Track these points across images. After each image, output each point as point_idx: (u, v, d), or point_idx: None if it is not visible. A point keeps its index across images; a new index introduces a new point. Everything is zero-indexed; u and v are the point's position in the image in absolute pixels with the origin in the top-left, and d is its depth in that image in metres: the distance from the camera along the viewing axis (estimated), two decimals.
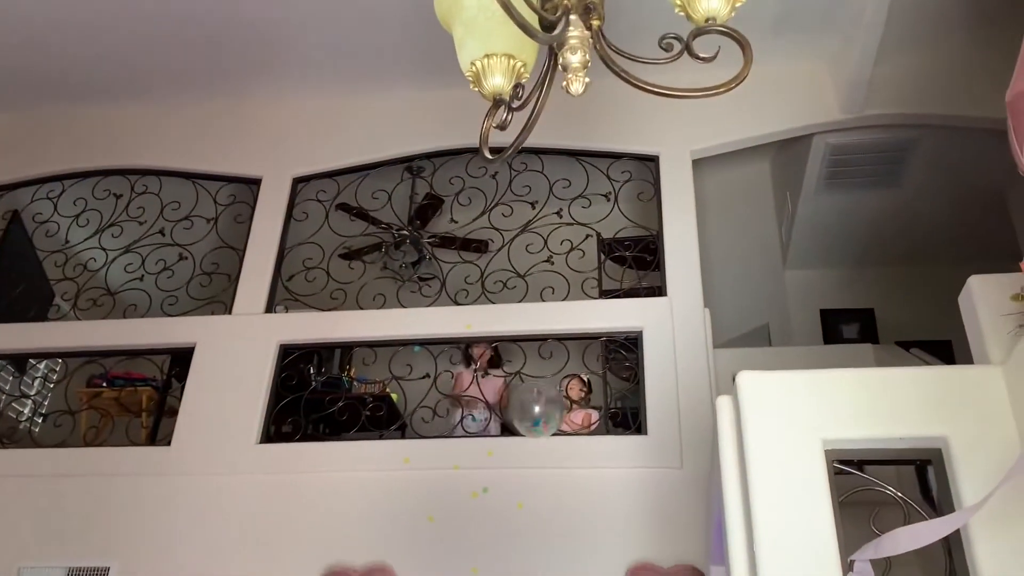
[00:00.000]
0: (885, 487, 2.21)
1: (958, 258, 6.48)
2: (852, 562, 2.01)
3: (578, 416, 4.85)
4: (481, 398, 4.94)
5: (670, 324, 4.81)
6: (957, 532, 2.05)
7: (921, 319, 6.67)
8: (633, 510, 4.30)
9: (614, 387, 4.98)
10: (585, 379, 5.05)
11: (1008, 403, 2.13)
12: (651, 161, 5.52)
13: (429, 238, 6.38)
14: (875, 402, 2.21)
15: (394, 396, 5.10)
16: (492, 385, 5.07)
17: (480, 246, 6.04)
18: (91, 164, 6.04)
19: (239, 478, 4.65)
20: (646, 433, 4.52)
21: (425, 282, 5.95)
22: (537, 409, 4.34)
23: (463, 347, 5.22)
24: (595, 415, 4.90)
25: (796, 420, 2.21)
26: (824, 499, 2.12)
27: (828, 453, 2.19)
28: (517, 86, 1.78)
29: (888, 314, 6.88)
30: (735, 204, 7.14)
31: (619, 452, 4.45)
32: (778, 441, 2.20)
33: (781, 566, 2.07)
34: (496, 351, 5.18)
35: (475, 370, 5.09)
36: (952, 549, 2.11)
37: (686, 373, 4.65)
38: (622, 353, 4.96)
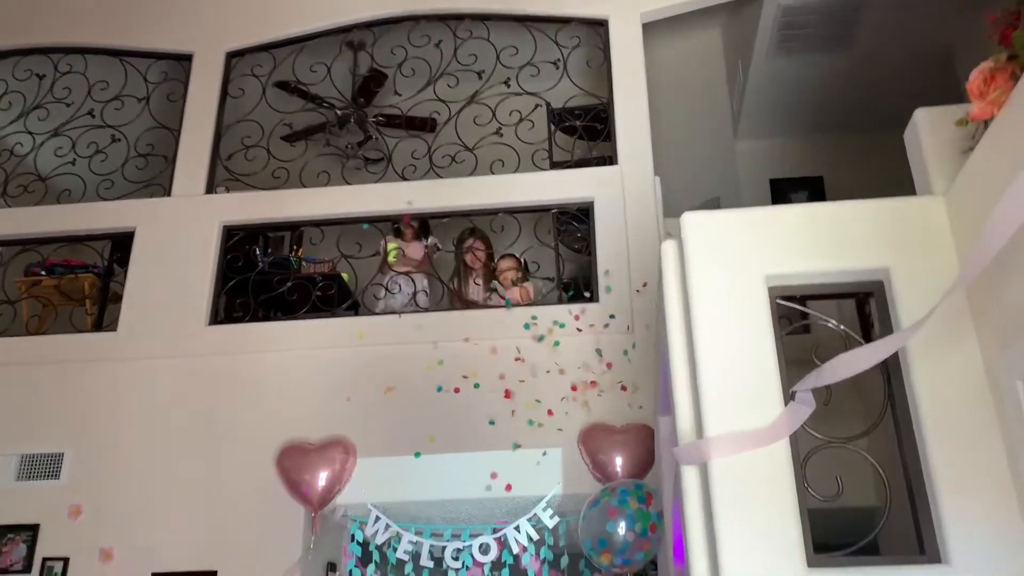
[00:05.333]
0: (827, 320, 2.22)
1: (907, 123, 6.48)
2: (794, 393, 2.04)
3: (515, 293, 4.81)
4: (401, 271, 4.91)
5: (621, 193, 4.76)
6: (896, 359, 2.08)
7: (871, 185, 6.70)
8: (585, 375, 4.35)
9: (566, 258, 4.94)
10: (518, 256, 4.98)
11: (949, 232, 2.13)
12: (600, 26, 5.35)
13: (374, 117, 6.17)
14: (818, 237, 2.20)
15: (345, 276, 5.02)
16: (416, 251, 5.01)
17: (428, 124, 5.85)
18: (9, 43, 5.69)
19: (190, 360, 4.60)
20: (598, 300, 4.53)
21: (372, 163, 5.79)
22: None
23: (392, 223, 5.13)
24: (532, 289, 4.86)
25: (740, 258, 2.19)
26: (767, 334, 2.13)
27: (771, 290, 2.19)
28: None
29: (838, 181, 6.89)
30: (686, 75, 6.99)
31: (571, 319, 4.46)
32: (722, 279, 2.18)
33: (725, 401, 2.09)
34: (423, 221, 5.10)
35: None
36: (891, 376, 2.14)
37: (637, 241, 4.64)
38: (574, 225, 4.91)
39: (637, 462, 4.03)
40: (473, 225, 5.13)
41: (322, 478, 4.16)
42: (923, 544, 2.01)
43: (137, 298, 4.79)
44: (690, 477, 2.15)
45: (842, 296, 2.30)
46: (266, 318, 4.79)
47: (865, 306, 2.25)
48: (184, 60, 5.57)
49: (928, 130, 2.31)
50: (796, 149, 7.23)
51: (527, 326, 4.43)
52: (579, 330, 4.43)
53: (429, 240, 5.01)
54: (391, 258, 4.87)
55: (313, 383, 4.48)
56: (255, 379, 4.52)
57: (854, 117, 7.11)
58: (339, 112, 6.05)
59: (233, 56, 5.57)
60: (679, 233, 2.34)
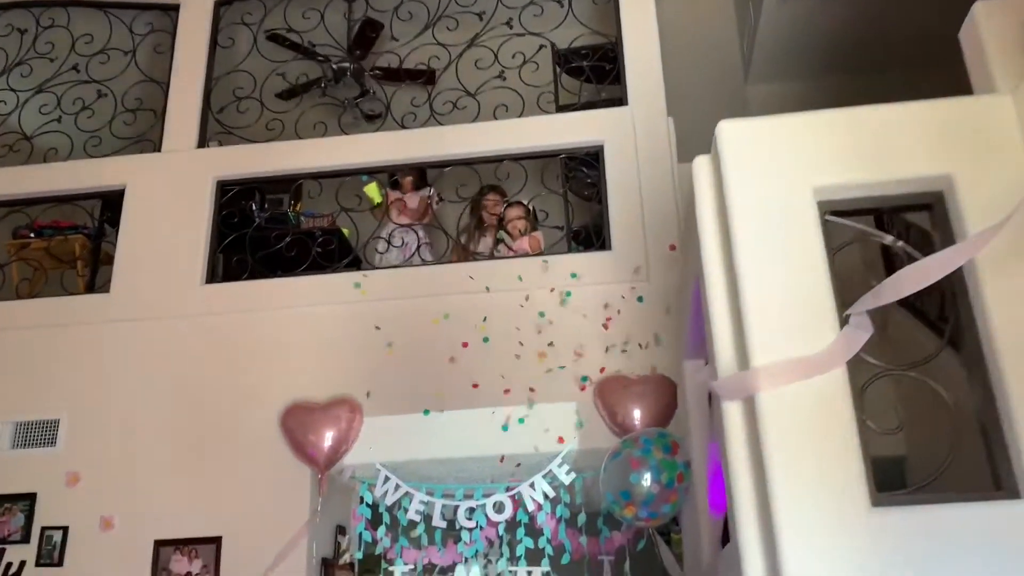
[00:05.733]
0: (882, 235, 2.01)
1: (927, 62, 6.22)
2: (848, 316, 1.83)
3: (523, 243, 4.58)
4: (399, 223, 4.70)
5: (632, 135, 4.53)
6: (962, 280, 1.87)
7: None
8: (598, 326, 4.15)
9: (575, 206, 4.71)
10: (526, 204, 4.75)
11: (1018, 133, 1.91)
12: None
13: (371, 70, 5.91)
14: (870, 144, 1.97)
15: (345, 231, 4.80)
16: (415, 202, 4.80)
17: (427, 75, 5.58)
18: None
19: (187, 321, 4.40)
20: (611, 249, 4.32)
21: (371, 119, 5.54)
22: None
23: (388, 175, 4.90)
24: (542, 239, 4.64)
25: (784, 170, 1.98)
26: (817, 252, 1.92)
27: (820, 205, 1.97)
28: None
29: None
30: (692, 21, 6.73)
31: (583, 269, 4.25)
32: (764, 193, 1.97)
33: (772, 327, 1.89)
34: (421, 172, 4.88)
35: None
36: (957, 296, 1.93)
37: (650, 186, 4.41)
38: (583, 171, 4.68)
39: (657, 414, 3.84)
40: (495, 183, 4.86)
41: (328, 438, 3.98)
42: (999, 478, 1.81)
43: (130, 258, 4.59)
44: (733, 415, 1.96)
45: (898, 210, 2.09)
46: (264, 276, 4.58)
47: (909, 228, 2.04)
48: (171, 10, 5.31)
49: (989, 26, 2.07)
50: (809, 92, 6.94)
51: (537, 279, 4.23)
52: (591, 280, 4.23)
53: (430, 191, 4.77)
54: (373, 198, 4.64)
55: (315, 341, 4.29)
56: (255, 339, 4.33)
57: (871, 56, 6.84)
58: (335, 66, 5.80)
59: (221, 5, 5.31)
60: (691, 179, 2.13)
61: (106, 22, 5.32)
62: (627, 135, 4.53)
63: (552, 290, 4.22)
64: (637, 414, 3.86)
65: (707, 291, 2.05)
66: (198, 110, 4.95)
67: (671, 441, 3.24)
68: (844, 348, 1.80)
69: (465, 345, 4.16)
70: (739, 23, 7.01)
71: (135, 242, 4.62)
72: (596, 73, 4.90)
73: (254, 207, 4.77)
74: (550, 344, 4.13)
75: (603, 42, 4.94)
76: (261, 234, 4.71)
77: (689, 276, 2.50)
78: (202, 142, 4.89)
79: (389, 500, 4.05)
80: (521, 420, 4.01)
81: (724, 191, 2.00)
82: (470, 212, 4.84)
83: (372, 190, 4.65)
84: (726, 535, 2.37)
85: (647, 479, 3.11)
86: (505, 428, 4.00)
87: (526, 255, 4.47)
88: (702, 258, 2.09)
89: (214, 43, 5.18)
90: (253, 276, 4.57)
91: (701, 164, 2.12)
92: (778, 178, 1.97)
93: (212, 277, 4.55)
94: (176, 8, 5.28)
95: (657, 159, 4.46)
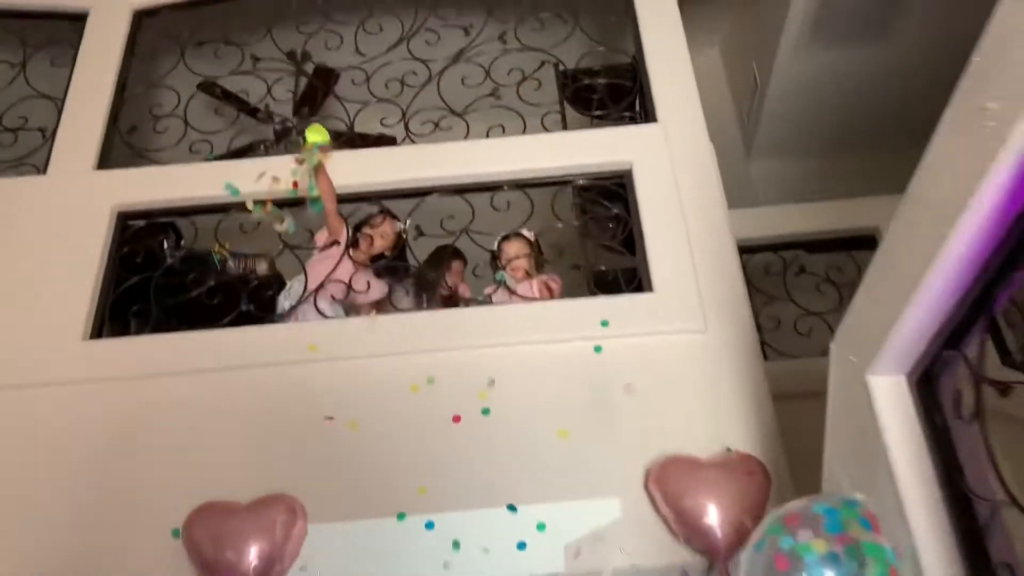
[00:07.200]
0: None
1: None
2: None
3: (531, 287, 3.44)
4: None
5: (667, 154, 3.54)
6: None
7: None
8: (645, 390, 3.00)
9: (593, 239, 3.61)
10: (528, 235, 3.60)
11: None
12: None
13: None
14: None
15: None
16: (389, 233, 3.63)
17: (385, 141, 4.45)
18: None
19: (59, 390, 3.08)
20: (652, 290, 3.23)
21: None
22: None
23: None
24: (557, 283, 3.51)
25: None
26: None
27: None
28: None
29: None
30: None
31: (618, 316, 3.13)
32: None
33: None
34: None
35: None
36: None
37: (696, 213, 3.39)
38: (603, 203, 3.63)
39: (745, 511, 2.65)
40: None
41: (253, 554, 2.63)
42: None
43: None
44: None
45: None
46: (172, 329, 3.32)
47: None
48: (79, 20, 4.25)
49: None
50: (826, 169, 6.17)
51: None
52: (628, 330, 3.11)
53: (404, 223, 3.61)
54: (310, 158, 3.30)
55: (243, 416, 3.01)
56: (156, 413, 3.03)
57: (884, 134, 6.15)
58: (277, 127, 4.74)
59: (143, 15, 4.28)
60: None
61: None
62: (660, 154, 3.54)
63: (578, 343, 3.08)
64: (713, 511, 2.65)
65: None
66: (101, 128, 3.81)
67: (864, 512, 1.88)
68: None
69: (457, 420, 2.94)
70: (735, 99, 6.34)
71: None
72: (612, 92, 3.95)
73: (165, 244, 3.56)
74: (577, 417, 2.94)
75: (620, 63, 4.03)
76: (171, 281, 3.47)
77: None
78: (103, 165, 3.73)
79: None
80: (541, 527, 2.76)
81: None
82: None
83: (315, 134, 3.31)
84: None
85: None
86: (522, 546, 2.73)
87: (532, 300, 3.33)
88: None
89: (130, 54, 4.11)
90: (158, 330, 3.30)
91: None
92: None
93: (99, 331, 3.27)
94: (83, 17, 4.23)
95: (701, 181, 3.46)
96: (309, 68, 4.83)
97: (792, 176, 6.07)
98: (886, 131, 6.08)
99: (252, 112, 4.80)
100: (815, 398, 3.03)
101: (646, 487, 2.78)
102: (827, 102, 5.87)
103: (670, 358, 3.06)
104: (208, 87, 4.47)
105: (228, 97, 4.60)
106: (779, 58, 5.49)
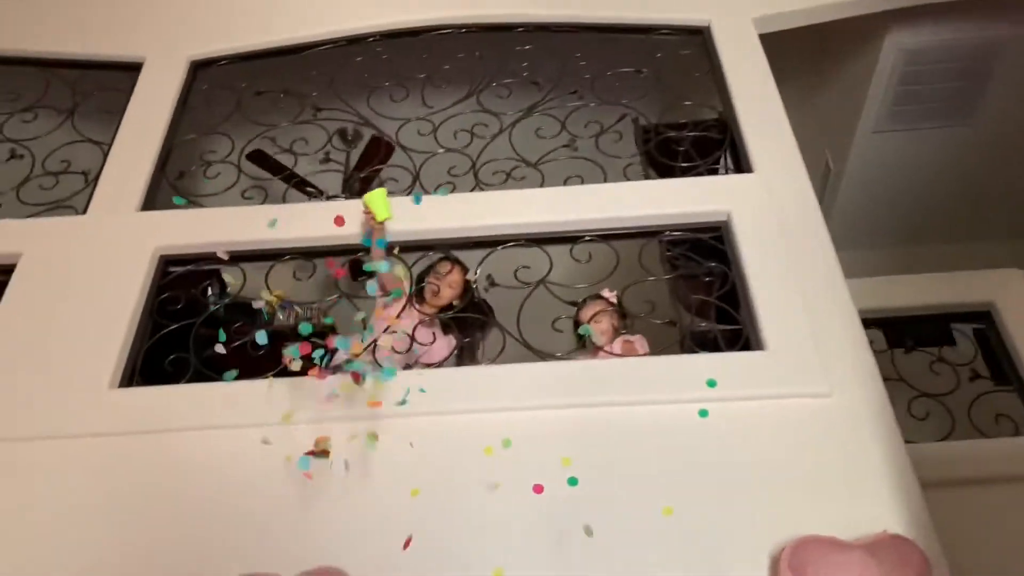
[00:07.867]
0: None
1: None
2: None
3: (615, 348, 3.06)
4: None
5: (769, 204, 3.19)
6: None
7: None
8: (764, 460, 2.53)
9: (685, 294, 3.22)
10: (611, 295, 3.30)
11: None
12: (697, 34, 4.04)
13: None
14: None
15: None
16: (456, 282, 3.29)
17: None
18: None
19: (83, 442, 2.67)
20: (763, 348, 2.80)
21: None
22: None
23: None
24: (642, 344, 3.13)
25: None
26: None
27: None
28: None
29: None
30: None
31: (726, 376, 2.70)
32: None
33: None
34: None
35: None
36: None
37: (807, 266, 3.01)
38: (694, 258, 3.26)
39: None
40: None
41: None
42: None
43: (7, 347, 2.93)
44: None
45: None
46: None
47: None
48: (131, 70, 4.07)
49: None
50: (902, 260, 5.79)
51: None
52: (739, 393, 2.67)
53: (475, 269, 3.23)
54: (378, 212, 2.97)
55: (291, 478, 2.57)
56: (189, 474, 2.60)
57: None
58: (328, 196, 4.48)
59: (199, 67, 4.10)
60: None
61: (40, 79, 4.06)
62: (761, 205, 3.18)
63: (680, 405, 2.64)
64: None
65: None
66: (148, 172, 3.53)
67: None
68: None
69: (539, 490, 2.47)
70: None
71: (16, 326, 2.99)
72: (698, 146, 3.65)
73: (209, 291, 3.20)
74: (682, 488, 2.47)
75: (706, 119, 3.74)
76: (209, 331, 3.08)
77: None
78: (147, 208, 3.43)
79: None
80: None
81: None
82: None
83: (377, 200, 3.01)
84: None
85: None
86: None
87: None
88: None
89: (183, 102, 3.89)
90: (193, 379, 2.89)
91: None
92: None
93: (130, 380, 2.88)
94: (139, 67, 4.05)
95: (810, 233, 3.09)
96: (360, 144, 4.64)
97: (872, 269, 5.71)
98: (966, 219, 5.77)
99: (301, 186, 4.56)
100: (931, 488, 2.58)
101: (776, 574, 2.28)
102: (905, 188, 5.58)
103: (790, 424, 2.61)
104: (258, 158, 4.24)
105: (279, 171, 4.36)
106: (857, 138, 5.23)
